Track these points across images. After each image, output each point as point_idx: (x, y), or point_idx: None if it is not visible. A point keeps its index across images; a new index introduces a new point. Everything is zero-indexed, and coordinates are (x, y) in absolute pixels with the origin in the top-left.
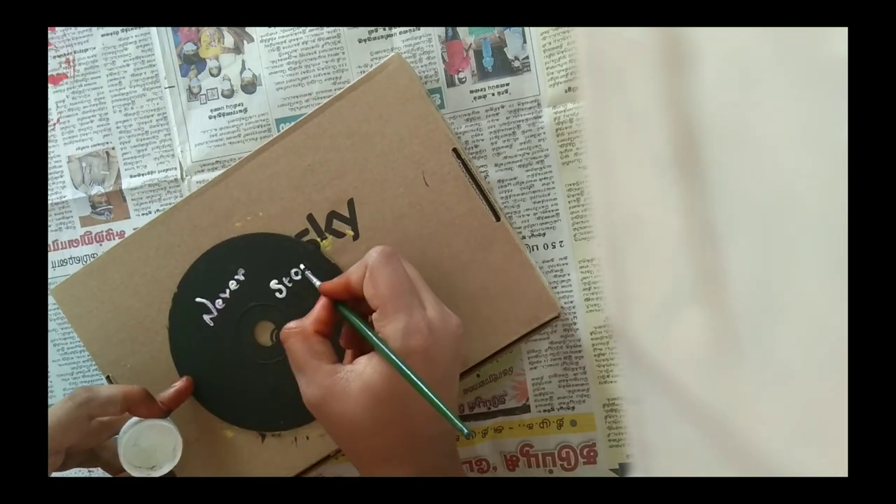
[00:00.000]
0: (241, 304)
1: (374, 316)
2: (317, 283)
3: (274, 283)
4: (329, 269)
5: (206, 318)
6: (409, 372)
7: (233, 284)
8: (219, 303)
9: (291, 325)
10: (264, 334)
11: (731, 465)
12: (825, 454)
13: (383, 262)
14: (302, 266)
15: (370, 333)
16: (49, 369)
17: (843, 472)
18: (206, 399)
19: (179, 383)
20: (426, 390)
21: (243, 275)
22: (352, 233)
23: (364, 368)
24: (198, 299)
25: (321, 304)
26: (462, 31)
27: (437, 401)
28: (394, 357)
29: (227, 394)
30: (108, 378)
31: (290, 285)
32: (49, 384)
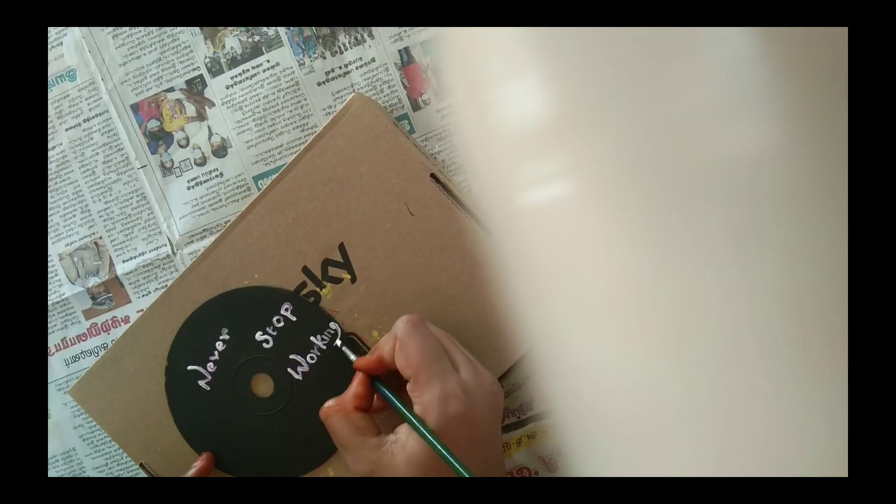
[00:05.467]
0: (233, 363)
1: (408, 386)
2: (353, 357)
3: (259, 335)
4: (311, 309)
5: (202, 383)
6: (438, 447)
7: (220, 345)
8: (210, 366)
9: (330, 403)
10: (260, 386)
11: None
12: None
13: (411, 331)
14: (284, 310)
15: (404, 410)
16: (83, 463)
17: (843, 472)
18: (219, 461)
19: (199, 462)
20: (455, 464)
21: (228, 334)
22: (348, 276)
23: (406, 439)
24: (189, 367)
25: (358, 380)
26: (417, 53)
27: (463, 471)
28: (425, 433)
29: (238, 452)
30: (141, 466)
31: (274, 334)
32: (85, 476)
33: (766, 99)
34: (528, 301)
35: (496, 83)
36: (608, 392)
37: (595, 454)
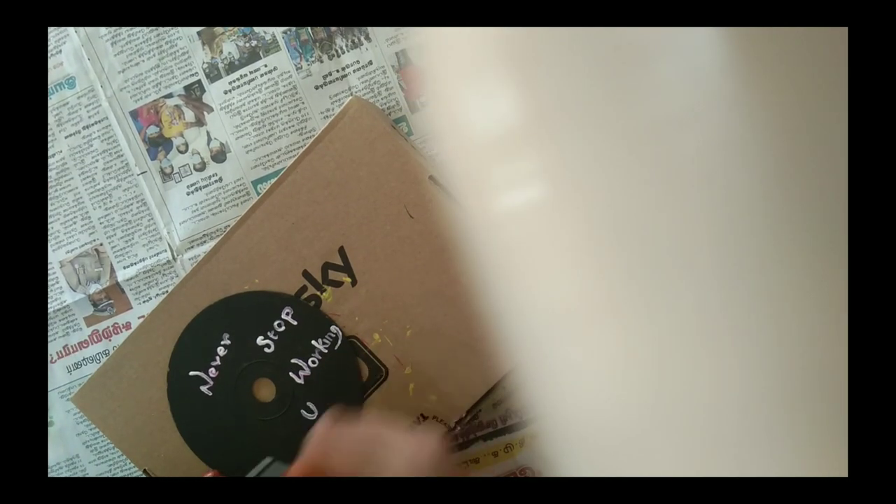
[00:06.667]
0: (235, 368)
1: None
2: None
3: (260, 340)
4: (312, 313)
5: (204, 389)
6: None
7: (221, 350)
8: (212, 371)
9: None
10: (262, 391)
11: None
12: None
13: (333, 445)
14: (285, 314)
15: None
16: (87, 470)
17: (843, 472)
18: (222, 466)
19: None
20: None
21: (229, 339)
22: (349, 279)
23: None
24: (191, 373)
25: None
26: (414, 55)
27: None
28: None
29: (241, 457)
30: (145, 472)
31: (276, 338)
32: None
33: (739, 102)
34: (506, 307)
35: (466, 87)
36: (589, 398)
37: (579, 463)
